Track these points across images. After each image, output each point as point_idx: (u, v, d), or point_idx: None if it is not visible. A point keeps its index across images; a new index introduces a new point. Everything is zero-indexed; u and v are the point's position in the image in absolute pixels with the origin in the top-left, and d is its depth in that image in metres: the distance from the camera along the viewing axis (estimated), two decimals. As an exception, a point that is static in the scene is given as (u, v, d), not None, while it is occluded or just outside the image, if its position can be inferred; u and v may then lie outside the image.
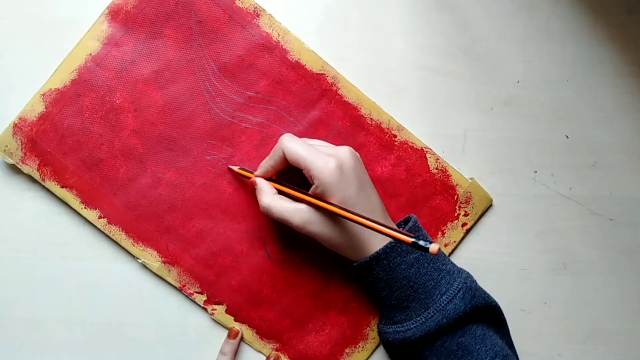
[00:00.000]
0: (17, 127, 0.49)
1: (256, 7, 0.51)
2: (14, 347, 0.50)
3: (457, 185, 0.53)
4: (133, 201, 0.50)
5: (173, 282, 0.51)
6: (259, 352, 0.52)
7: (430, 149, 0.52)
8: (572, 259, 0.54)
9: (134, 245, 0.50)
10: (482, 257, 0.53)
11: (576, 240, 0.54)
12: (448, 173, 0.52)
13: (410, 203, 0.52)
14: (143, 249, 0.50)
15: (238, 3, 0.50)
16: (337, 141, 0.51)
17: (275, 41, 0.51)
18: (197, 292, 0.51)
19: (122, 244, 0.50)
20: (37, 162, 0.49)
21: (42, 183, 0.49)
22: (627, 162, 0.54)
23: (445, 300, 0.46)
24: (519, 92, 0.53)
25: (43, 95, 0.49)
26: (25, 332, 0.50)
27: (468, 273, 0.49)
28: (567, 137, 0.54)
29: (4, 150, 0.49)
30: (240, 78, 0.51)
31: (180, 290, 0.51)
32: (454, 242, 0.53)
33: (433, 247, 0.38)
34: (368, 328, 0.52)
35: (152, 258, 0.50)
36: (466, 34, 0.53)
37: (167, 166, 0.50)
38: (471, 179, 0.53)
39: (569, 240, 0.54)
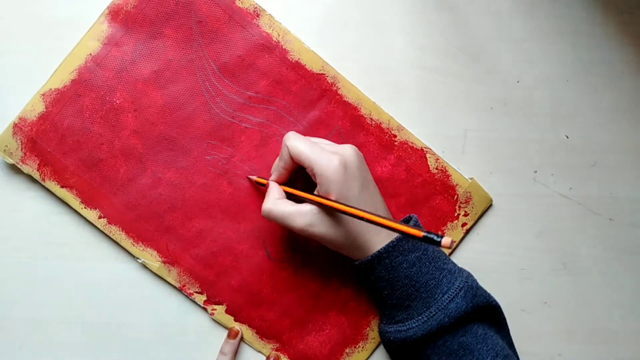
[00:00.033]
0: (17, 127, 0.49)
1: (256, 7, 0.51)
2: (14, 347, 0.50)
3: (457, 185, 0.53)
4: (133, 201, 0.50)
5: (173, 282, 0.51)
6: (259, 352, 0.52)
7: (430, 149, 0.52)
8: (572, 259, 0.54)
9: (134, 245, 0.50)
10: (482, 257, 0.53)
11: (576, 240, 0.54)
12: (448, 173, 0.52)
13: (410, 203, 0.52)
14: (143, 249, 0.50)
15: (238, 3, 0.50)
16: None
17: (275, 41, 0.51)
18: (197, 292, 0.51)
19: (122, 244, 0.50)
20: (37, 162, 0.49)
21: (42, 183, 0.49)
22: (627, 162, 0.54)
23: (447, 299, 0.46)
24: (519, 92, 0.53)
25: (43, 95, 0.49)
26: (25, 332, 0.50)
27: (469, 272, 0.49)
28: (567, 137, 0.54)
29: (4, 150, 0.49)
30: (240, 78, 0.51)
31: (180, 290, 0.51)
32: (454, 242, 0.52)
33: (445, 240, 0.36)
34: (368, 328, 0.52)
35: (152, 258, 0.50)
36: (466, 34, 0.53)
37: (167, 166, 0.50)
38: (471, 179, 0.53)
39: (569, 240, 0.54)
